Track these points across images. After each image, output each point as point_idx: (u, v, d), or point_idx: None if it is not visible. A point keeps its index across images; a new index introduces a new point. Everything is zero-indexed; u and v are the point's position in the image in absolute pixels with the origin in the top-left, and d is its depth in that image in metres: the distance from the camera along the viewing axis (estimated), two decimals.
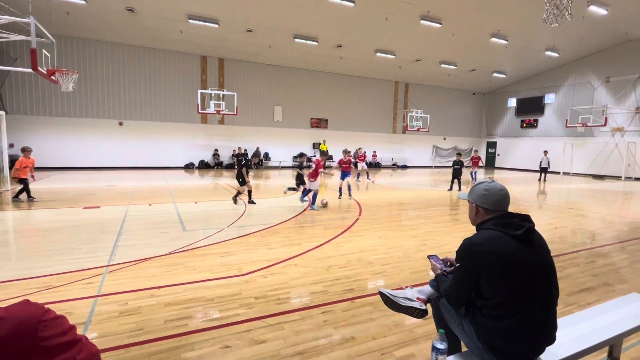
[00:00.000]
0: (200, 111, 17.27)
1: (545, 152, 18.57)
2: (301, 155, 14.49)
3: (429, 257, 2.29)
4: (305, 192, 8.97)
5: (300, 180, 9.81)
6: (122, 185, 12.04)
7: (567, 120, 22.08)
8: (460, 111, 29.03)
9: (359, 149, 17.60)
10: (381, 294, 2.22)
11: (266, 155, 21.92)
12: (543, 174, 18.14)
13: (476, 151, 17.68)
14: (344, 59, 20.73)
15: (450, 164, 28.77)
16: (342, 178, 10.55)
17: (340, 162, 10.62)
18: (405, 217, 7.94)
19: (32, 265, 4.34)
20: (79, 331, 0.99)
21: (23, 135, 16.38)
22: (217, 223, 6.81)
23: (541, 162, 18.15)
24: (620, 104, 20.94)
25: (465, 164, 12.49)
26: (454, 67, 22.74)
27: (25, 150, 8.81)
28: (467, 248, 1.78)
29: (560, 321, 2.17)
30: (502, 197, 1.86)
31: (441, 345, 1.62)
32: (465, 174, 13.89)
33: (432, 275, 2.17)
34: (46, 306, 0.86)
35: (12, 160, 16.20)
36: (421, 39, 18.24)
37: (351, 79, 24.07)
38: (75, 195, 9.71)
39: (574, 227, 7.32)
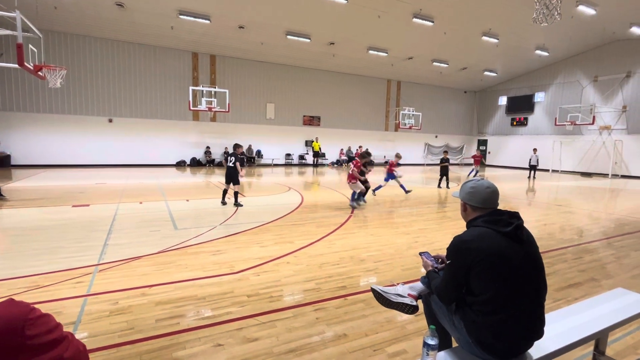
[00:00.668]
0: (191, 108, 17.10)
1: (535, 149, 18.84)
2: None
3: (420, 253, 2.31)
4: (377, 188, 10.29)
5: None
6: (112, 183, 11.89)
7: (556, 118, 22.38)
8: (451, 109, 29.24)
9: (359, 147, 17.66)
10: (373, 290, 2.24)
11: (258, 153, 21.83)
12: (532, 172, 18.41)
13: (478, 149, 17.97)
14: (337, 56, 20.70)
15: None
16: (387, 180, 10.97)
17: (392, 165, 11.05)
18: (397, 215, 7.99)
19: (19, 264, 4.27)
20: (68, 330, 0.98)
21: (9, 132, 16.06)
22: (209, 221, 6.77)
23: (530, 159, 18.44)
24: (607, 102, 21.30)
25: (451, 162, 12.76)
26: (446, 66, 22.87)
27: None
28: (457, 245, 1.80)
29: (548, 316, 2.22)
30: (489, 194, 1.89)
31: (432, 341, 1.64)
32: (459, 172, 14.01)
33: (423, 272, 2.19)
34: (31, 305, 0.85)
35: (0, 158, 15.98)
36: (413, 37, 18.30)
37: (344, 77, 24.07)
38: (63, 193, 9.56)
39: (563, 224, 7.44)
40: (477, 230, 1.80)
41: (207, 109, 17.14)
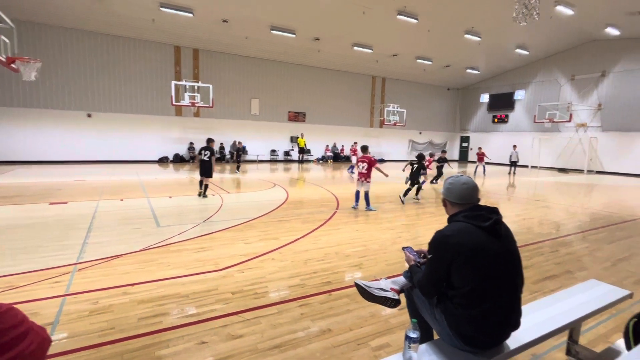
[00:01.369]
0: (174, 103, 16.73)
1: (514, 146, 19.31)
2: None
3: (403, 248, 2.35)
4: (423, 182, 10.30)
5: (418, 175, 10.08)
6: (91, 180, 11.56)
7: (535, 115, 23.00)
8: (435, 106, 29.64)
9: (355, 143, 17.87)
10: (357, 285, 2.27)
11: (243, 149, 21.59)
12: (513, 168, 18.87)
13: (480, 148, 18.32)
14: (322, 52, 20.64)
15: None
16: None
17: (429, 162, 11.60)
18: (381, 210, 8.07)
19: None
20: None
21: None
22: (193, 218, 6.68)
23: (511, 156, 18.90)
24: (583, 101, 22.01)
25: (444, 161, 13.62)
26: (430, 63, 23.12)
27: None
28: (438, 240, 1.84)
29: (525, 307, 2.29)
30: (465, 190, 1.94)
31: (414, 334, 1.68)
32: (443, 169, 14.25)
33: (407, 266, 2.23)
34: None
35: None
36: (398, 34, 18.41)
37: (329, 73, 24.04)
38: (40, 191, 9.25)
39: (540, 218, 7.68)
40: (458, 225, 1.84)
41: (190, 104, 16.81)
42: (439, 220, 7.17)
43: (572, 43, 21.43)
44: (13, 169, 14.22)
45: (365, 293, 2.21)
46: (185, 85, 17.08)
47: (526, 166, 23.91)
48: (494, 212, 1.87)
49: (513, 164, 18.72)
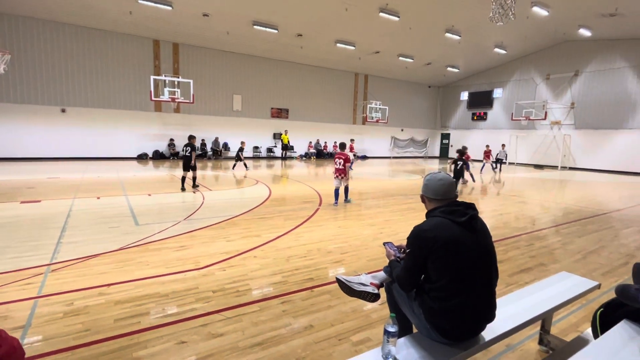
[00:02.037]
0: (153, 98, 16.34)
1: (503, 145, 19.28)
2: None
3: (384, 244, 2.39)
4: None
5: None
6: (66, 178, 11.17)
7: (512, 113, 23.68)
8: (416, 103, 30.05)
9: (352, 140, 18.01)
10: (338, 280, 2.29)
11: (225, 146, 21.35)
12: (499, 165, 18.91)
13: (487, 146, 18.43)
14: (305, 48, 20.56)
15: (408, 154, 29.93)
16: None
17: (468, 158, 11.83)
18: (364, 207, 8.14)
19: None
20: (17, 335, 0.93)
21: None
22: (173, 216, 6.56)
23: (498, 153, 18.85)
24: (558, 99, 22.78)
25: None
26: (411, 61, 23.40)
27: None
28: (416, 234, 1.88)
29: (500, 300, 2.36)
30: (441, 186, 1.99)
31: (392, 329, 1.70)
32: (424, 165, 14.52)
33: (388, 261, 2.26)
34: None
35: None
36: (380, 31, 18.52)
37: (312, 69, 23.98)
38: (11, 189, 8.86)
39: (517, 213, 7.92)
40: (435, 220, 1.88)
41: (170, 100, 16.46)
42: (418, 216, 7.29)
43: (547, 43, 22.10)
44: None
45: (346, 288, 2.23)
46: (164, 81, 16.70)
47: (504, 163, 24.56)
48: (470, 207, 1.91)
49: (499, 161, 18.84)
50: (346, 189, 8.38)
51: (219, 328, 2.83)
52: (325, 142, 25.26)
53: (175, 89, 16.75)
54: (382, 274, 2.27)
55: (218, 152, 20.79)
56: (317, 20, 17.09)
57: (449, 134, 30.53)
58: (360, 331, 2.86)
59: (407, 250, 1.94)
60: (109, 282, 3.63)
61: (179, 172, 14.01)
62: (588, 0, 15.26)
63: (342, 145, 8.57)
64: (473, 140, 28.10)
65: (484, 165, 18.27)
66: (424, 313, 1.88)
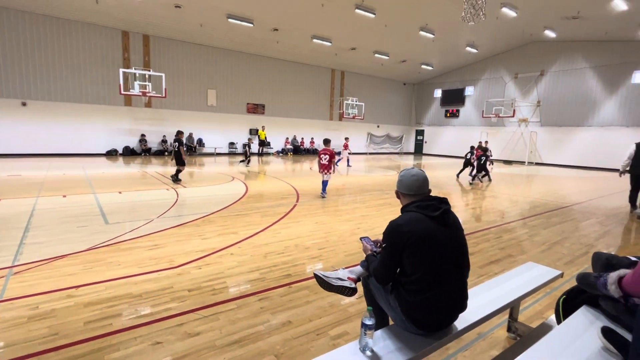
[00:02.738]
0: (122, 92, 15.70)
1: (486, 142, 19.62)
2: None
3: (361, 238, 2.43)
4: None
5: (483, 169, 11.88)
6: (28, 175, 10.57)
7: (483, 111, 24.52)
8: (392, 100, 30.48)
9: (347, 138, 18.03)
10: (315, 275, 2.30)
11: (200, 142, 20.87)
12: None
13: (486, 142, 18.36)
14: (281, 43, 20.35)
15: (384, 151, 30.36)
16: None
17: (477, 154, 12.93)
18: (341, 202, 8.21)
19: None
20: None
21: None
22: (146, 214, 6.36)
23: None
24: (525, 97, 23.77)
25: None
26: (387, 58, 23.67)
27: None
28: (391, 229, 1.92)
29: (471, 291, 2.46)
30: (413, 182, 2.04)
31: (369, 322, 1.74)
32: (399, 160, 14.80)
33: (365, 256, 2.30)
34: None
35: None
36: (356, 27, 18.60)
37: (288, 65, 23.79)
38: None
39: (487, 207, 8.23)
40: (409, 215, 1.93)
41: (140, 94, 15.87)
42: (394, 211, 7.43)
43: (516, 43, 22.96)
44: None
45: (324, 283, 2.25)
46: (135, 74, 16.07)
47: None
48: (443, 202, 1.97)
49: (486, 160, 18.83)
50: (325, 184, 8.68)
51: (196, 327, 2.79)
52: (302, 138, 25.19)
53: (147, 83, 16.16)
54: (359, 269, 2.31)
55: (192, 148, 20.29)
56: (293, 15, 16.94)
57: (423, 131, 31.20)
58: (339, 325, 2.90)
59: (383, 245, 1.98)
60: (77, 283, 3.48)
61: (151, 168, 13.61)
62: (553, 3, 15.95)
63: (327, 141, 8.81)
64: (446, 136, 28.89)
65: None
66: (400, 306, 1.93)
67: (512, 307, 2.83)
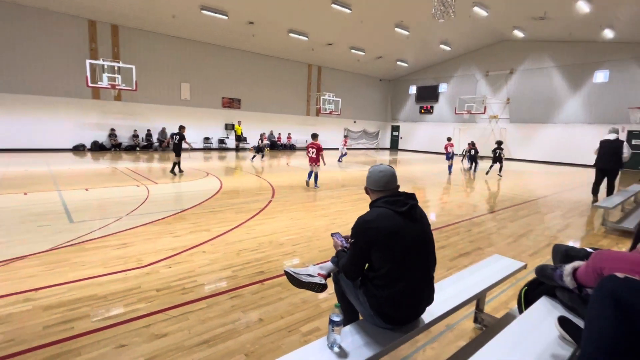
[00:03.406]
0: (90, 85, 14.96)
1: (473, 142, 19.54)
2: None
3: (332, 234, 2.42)
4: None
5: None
6: None
7: (456, 107, 25.16)
8: (368, 96, 30.72)
9: (345, 136, 17.92)
10: (286, 272, 2.28)
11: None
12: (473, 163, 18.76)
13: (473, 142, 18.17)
14: (257, 37, 20.02)
15: (360, 146, 30.57)
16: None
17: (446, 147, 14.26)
18: (316, 198, 8.21)
19: None
20: None
21: None
22: (114, 212, 6.13)
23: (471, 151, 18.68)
24: (496, 95, 24.55)
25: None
26: (363, 54, 23.78)
27: None
28: (360, 225, 1.93)
29: (439, 284, 2.52)
30: (382, 177, 2.05)
31: (337, 318, 1.74)
32: (375, 156, 14.97)
33: None
34: None
35: None
36: (332, 23, 18.55)
37: (265, 59, 23.46)
38: None
39: (459, 202, 8.46)
40: (377, 210, 1.95)
41: (109, 87, 15.20)
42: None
43: (487, 42, 23.62)
44: None
45: (294, 280, 2.23)
46: (103, 65, 15.38)
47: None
48: (410, 197, 2.00)
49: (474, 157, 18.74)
50: (316, 176, 9.39)
51: (163, 328, 2.71)
52: (280, 134, 24.98)
53: (116, 75, 15.49)
54: (329, 265, 2.31)
55: (166, 143, 19.67)
56: (269, 8, 16.68)
57: (398, 126, 31.67)
58: (310, 321, 2.90)
59: (351, 241, 1.98)
60: (36, 286, 3.31)
61: (122, 164, 13.12)
62: (522, 3, 16.49)
63: (315, 136, 9.52)
64: (421, 132, 29.44)
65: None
66: (369, 301, 1.94)
67: (479, 299, 2.92)
